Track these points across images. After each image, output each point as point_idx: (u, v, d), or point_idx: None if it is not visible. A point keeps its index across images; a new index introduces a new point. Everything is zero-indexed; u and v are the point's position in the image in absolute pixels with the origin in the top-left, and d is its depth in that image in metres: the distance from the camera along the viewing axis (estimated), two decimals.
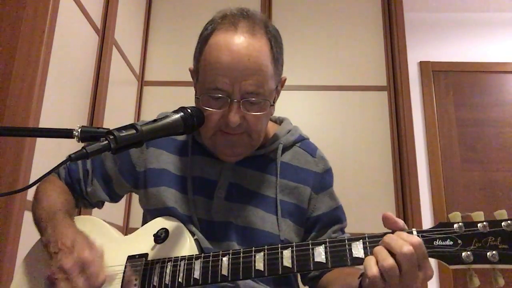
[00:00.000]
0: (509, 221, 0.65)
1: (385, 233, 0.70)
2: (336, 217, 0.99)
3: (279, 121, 1.07)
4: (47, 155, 1.52)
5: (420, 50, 3.13)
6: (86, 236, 0.81)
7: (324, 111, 2.57)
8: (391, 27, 2.66)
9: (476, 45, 3.16)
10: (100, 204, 1.07)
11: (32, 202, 0.96)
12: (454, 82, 3.08)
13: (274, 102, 0.92)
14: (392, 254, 0.65)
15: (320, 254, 0.72)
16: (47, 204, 0.91)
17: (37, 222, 0.91)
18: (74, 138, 0.72)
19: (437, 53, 3.14)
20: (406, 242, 0.64)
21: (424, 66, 3.11)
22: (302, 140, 1.03)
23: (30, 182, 0.74)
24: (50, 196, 0.94)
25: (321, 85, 2.60)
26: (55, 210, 0.88)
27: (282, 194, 0.95)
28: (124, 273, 0.85)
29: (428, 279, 0.65)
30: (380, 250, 0.66)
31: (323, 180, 0.99)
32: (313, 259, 0.72)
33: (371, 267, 0.65)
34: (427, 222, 2.79)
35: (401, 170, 2.43)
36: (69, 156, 0.68)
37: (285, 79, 0.97)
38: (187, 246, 0.85)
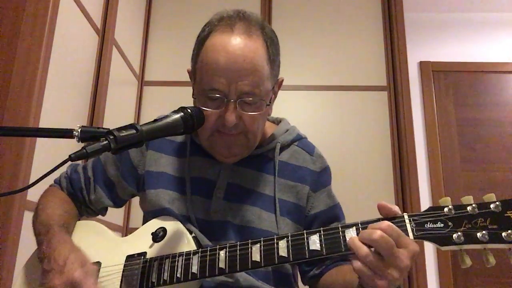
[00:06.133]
0: (497, 203, 0.67)
1: (378, 219, 0.71)
2: (334, 215, 1.00)
3: (277, 122, 1.07)
4: (47, 155, 1.52)
5: (420, 50, 3.13)
6: (80, 253, 0.80)
7: (324, 111, 2.56)
8: (391, 27, 2.66)
9: (476, 45, 3.16)
10: (104, 211, 1.07)
11: (32, 216, 0.96)
12: (454, 82, 3.08)
13: (270, 103, 0.92)
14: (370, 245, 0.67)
15: (314, 242, 0.73)
16: (44, 217, 0.91)
17: (35, 235, 0.91)
18: (74, 138, 0.72)
19: (437, 53, 3.14)
20: (375, 230, 0.66)
21: (424, 66, 3.11)
22: (300, 139, 1.04)
23: (30, 182, 0.74)
24: (48, 208, 0.94)
25: (321, 85, 2.60)
26: (51, 224, 0.88)
27: (281, 192, 0.95)
28: (123, 272, 0.85)
29: (415, 254, 0.66)
30: (353, 241, 0.68)
31: (320, 178, 1.00)
32: (308, 247, 0.73)
33: (355, 260, 0.67)
34: None
35: (401, 170, 2.43)
36: (69, 156, 0.68)
37: (282, 80, 0.98)
38: (185, 243, 0.86)
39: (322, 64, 2.63)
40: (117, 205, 1.06)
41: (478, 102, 3.04)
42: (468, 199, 0.69)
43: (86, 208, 1.04)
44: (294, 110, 2.54)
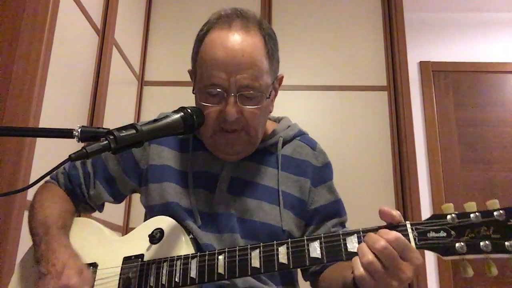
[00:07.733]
0: (501, 211, 0.65)
1: (380, 227, 0.71)
2: (334, 210, 1.00)
3: (278, 120, 1.09)
4: (47, 155, 1.52)
5: (420, 50, 3.12)
6: (78, 259, 0.81)
7: (324, 111, 2.56)
8: (391, 27, 2.66)
9: (476, 45, 3.16)
10: (101, 207, 1.07)
11: (28, 213, 0.95)
12: (454, 82, 3.08)
13: (270, 96, 0.93)
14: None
15: (315, 249, 0.72)
16: (42, 216, 0.90)
17: (32, 234, 0.90)
18: (74, 138, 0.72)
19: (437, 53, 3.14)
20: (381, 238, 0.66)
21: (424, 66, 3.11)
22: (301, 135, 1.05)
23: (30, 182, 0.74)
24: (46, 207, 0.93)
25: (321, 85, 2.60)
26: (49, 225, 0.87)
27: (284, 185, 0.96)
28: (120, 274, 0.85)
29: (419, 266, 0.66)
30: (360, 247, 0.68)
31: (321, 173, 1.01)
32: (309, 255, 0.72)
33: (358, 267, 0.67)
34: None
35: (401, 170, 2.43)
36: (69, 156, 0.68)
37: (282, 77, 0.99)
38: (182, 245, 0.85)
39: (322, 64, 2.63)
40: (117, 200, 1.06)
41: (478, 102, 3.04)
42: (471, 206, 0.67)
43: (84, 204, 1.03)
44: (295, 110, 2.53)
